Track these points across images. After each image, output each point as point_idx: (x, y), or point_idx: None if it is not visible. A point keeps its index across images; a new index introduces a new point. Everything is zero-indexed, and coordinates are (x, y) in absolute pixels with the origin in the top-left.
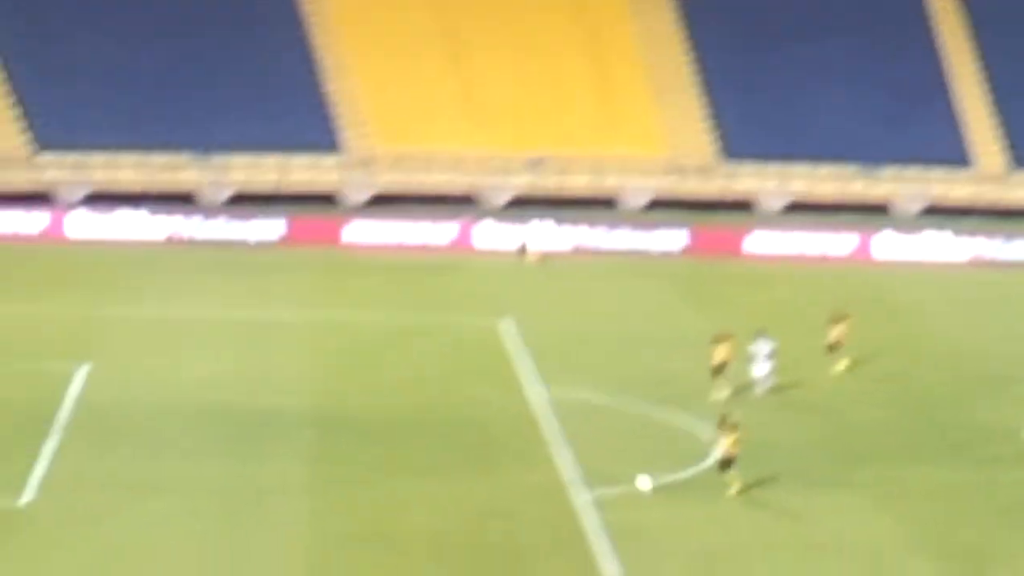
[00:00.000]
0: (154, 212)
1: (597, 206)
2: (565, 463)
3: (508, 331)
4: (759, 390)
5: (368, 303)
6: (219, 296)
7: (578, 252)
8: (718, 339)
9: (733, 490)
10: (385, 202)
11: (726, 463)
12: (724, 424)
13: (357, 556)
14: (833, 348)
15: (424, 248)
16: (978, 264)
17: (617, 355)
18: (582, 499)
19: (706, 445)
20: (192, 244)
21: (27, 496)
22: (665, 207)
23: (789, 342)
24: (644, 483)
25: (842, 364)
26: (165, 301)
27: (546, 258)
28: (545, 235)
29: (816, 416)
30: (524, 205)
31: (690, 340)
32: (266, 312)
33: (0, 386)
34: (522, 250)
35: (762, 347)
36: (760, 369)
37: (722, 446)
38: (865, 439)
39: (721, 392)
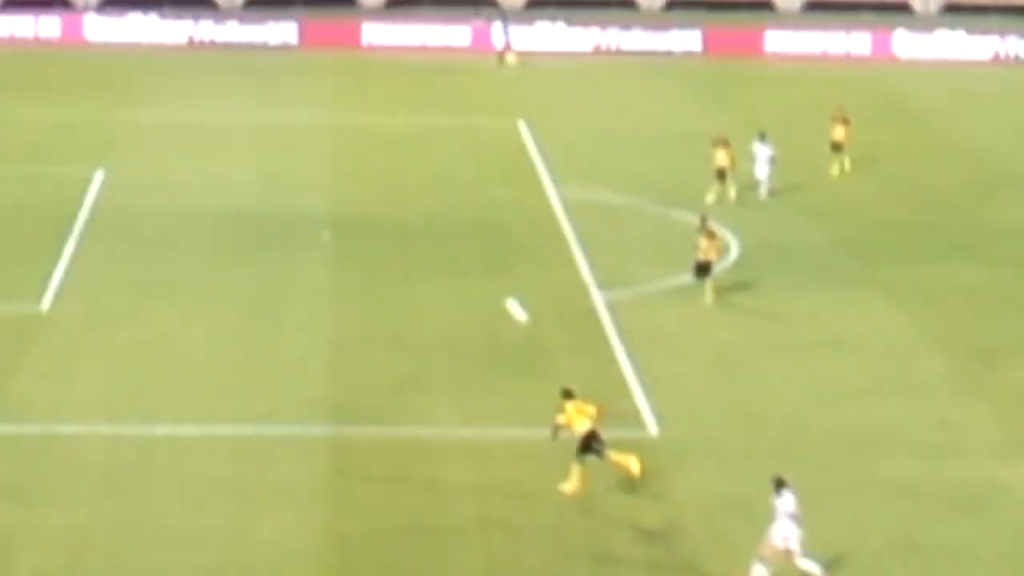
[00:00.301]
0: (169, 15)
1: (614, 6)
2: (583, 263)
3: (527, 133)
4: (763, 192)
5: (386, 105)
6: (237, 100)
7: (597, 53)
8: (717, 142)
9: (708, 299)
10: (401, 3)
11: (703, 268)
12: (703, 228)
13: (377, 357)
14: (836, 148)
15: (441, 50)
16: (999, 63)
17: (634, 156)
18: (599, 299)
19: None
20: (209, 47)
21: (48, 299)
22: (683, 6)
23: (801, 143)
24: (516, 308)
25: (845, 164)
26: (182, 105)
27: (524, 62)
28: (524, 36)
29: (828, 217)
30: (539, 6)
31: (706, 141)
32: (284, 116)
33: (18, 190)
34: (502, 54)
35: (761, 150)
36: (761, 171)
37: (700, 250)
38: (879, 240)
39: (713, 195)
